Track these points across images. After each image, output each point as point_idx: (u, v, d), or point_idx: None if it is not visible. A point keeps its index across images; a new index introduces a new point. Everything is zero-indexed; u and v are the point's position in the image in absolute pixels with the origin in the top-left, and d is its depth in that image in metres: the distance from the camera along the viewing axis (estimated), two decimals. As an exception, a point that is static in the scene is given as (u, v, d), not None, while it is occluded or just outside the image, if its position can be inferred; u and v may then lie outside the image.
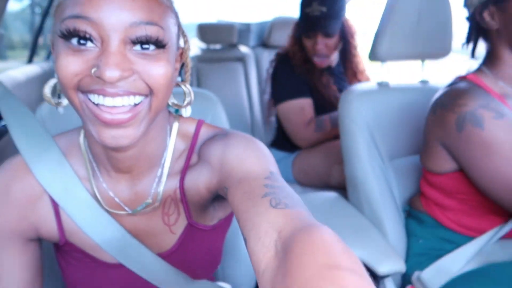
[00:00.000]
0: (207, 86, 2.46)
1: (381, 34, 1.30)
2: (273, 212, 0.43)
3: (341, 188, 1.73)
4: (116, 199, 0.64)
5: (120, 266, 0.66)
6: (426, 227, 1.11)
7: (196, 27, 2.48)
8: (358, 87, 1.36)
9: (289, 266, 0.34)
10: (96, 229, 0.62)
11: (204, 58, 2.52)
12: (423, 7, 1.31)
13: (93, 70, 0.47)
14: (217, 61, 2.54)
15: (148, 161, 0.62)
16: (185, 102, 0.63)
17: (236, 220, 0.56)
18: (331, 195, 1.29)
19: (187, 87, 0.63)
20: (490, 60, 0.98)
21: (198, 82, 2.50)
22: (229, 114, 1.16)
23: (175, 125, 0.66)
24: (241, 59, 2.55)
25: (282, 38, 2.47)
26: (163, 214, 0.66)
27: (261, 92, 2.54)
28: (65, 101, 0.58)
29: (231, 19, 2.73)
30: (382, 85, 1.38)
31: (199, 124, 0.67)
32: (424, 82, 1.44)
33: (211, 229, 0.70)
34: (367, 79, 1.89)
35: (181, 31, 0.59)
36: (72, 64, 0.48)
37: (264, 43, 2.65)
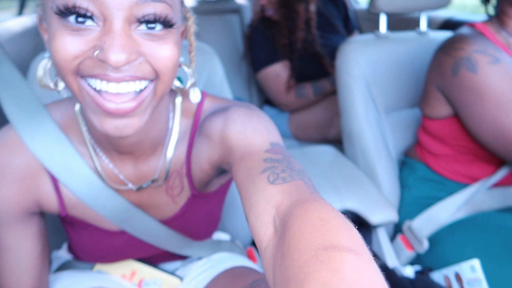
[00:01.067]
0: (204, 39, 2.41)
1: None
2: (271, 188, 0.43)
3: (339, 142, 1.76)
4: (121, 176, 0.63)
5: (123, 233, 0.68)
6: (417, 175, 1.14)
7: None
8: (356, 38, 1.34)
9: (286, 247, 0.34)
10: (99, 202, 0.61)
11: (200, 10, 2.44)
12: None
13: (95, 53, 0.43)
14: (213, 13, 2.46)
15: (151, 143, 0.61)
16: (188, 84, 0.58)
17: None
18: (327, 148, 1.31)
19: (190, 69, 0.58)
20: (498, 14, 0.99)
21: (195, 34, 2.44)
22: (226, 67, 1.16)
23: (178, 100, 0.62)
24: (237, 10, 2.48)
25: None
26: (167, 188, 0.66)
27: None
28: (62, 83, 0.54)
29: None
30: (381, 37, 1.36)
31: (202, 97, 0.65)
32: (422, 33, 1.42)
33: (212, 195, 0.72)
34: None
35: (184, 7, 0.54)
36: (70, 45, 0.43)
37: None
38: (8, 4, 1.98)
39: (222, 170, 0.65)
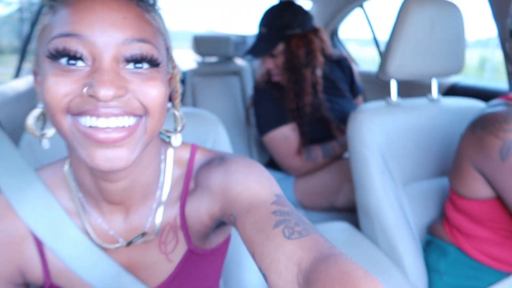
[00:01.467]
0: (203, 101, 2.37)
1: (391, 51, 1.22)
2: (289, 244, 0.43)
3: (348, 210, 1.65)
4: (111, 232, 0.61)
5: None
6: (449, 260, 1.02)
7: (191, 39, 2.39)
8: (367, 106, 1.28)
9: None
10: (87, 267, 0.58)
11: (199, 72, 2.43)
12: (436, 21, 1.23)
13: (85, 89, 0.44)
14: (213, 74, 2.45)
15: (142, 191, 0.60)
16: (179, 128, 0.60)
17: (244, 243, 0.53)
18: (341, 225, 1.20)
19: (179, 113, 0.60)
20: None
21: (194, 96, 2.41)
22: (226, 129, 1.09)
23: (170, 152, 0.63)
24: (237, 72, 2.47)
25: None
26: (160, 243, 0.63)
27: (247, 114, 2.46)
28: (50, 132, 0.55)
29: (224, 30, 2.64)
30: (392, 104, 1.30)
31: (193, 149, 0.65)
32: (434, 100, 1.37)
33: (209, 254, 0.68)
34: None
35: (169, 56, 0.56)
36: (61, 84, 0.45)
37: (260, 56, 2.58)
38: (10, 58, 1.94)
39: (220, 223, 0.63)
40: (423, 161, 1.24)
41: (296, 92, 1.61)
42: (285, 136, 1.63)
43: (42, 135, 0.55)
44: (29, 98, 1.70)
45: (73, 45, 0.44)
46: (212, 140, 1.04)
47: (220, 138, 1.03)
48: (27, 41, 1.86)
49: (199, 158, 0.65)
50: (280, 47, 1.60)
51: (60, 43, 0.44)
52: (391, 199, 1.11)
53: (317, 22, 2.73)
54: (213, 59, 2.53)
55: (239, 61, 2.51)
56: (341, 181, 1.59)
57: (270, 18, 1.62)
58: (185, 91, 2.63)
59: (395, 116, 1.24)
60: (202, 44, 2.39)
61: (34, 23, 1.84)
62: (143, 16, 0.48)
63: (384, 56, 1.26)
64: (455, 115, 1.35)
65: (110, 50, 0.45)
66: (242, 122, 2.39)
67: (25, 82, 1.71)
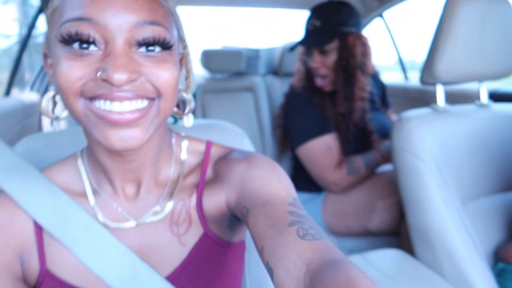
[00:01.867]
0: (215, 117, 2.22)
1: (438, 52, 1.07)
2: (302, 243, 0.43)
3: (383, 234, 1.46)
4: (122, 211, 0.60)
5: None
6: None
7: (200, 54, 2.25)
8: (413, 113, 1.12)
9: None
10: (97, 255, 0.55)
11: (209, 89, 2.28)
12: (487, 17, 1.09)
13: (98, 73, 0.45)
14: (224, 91, 2.30)
15: (155, 170, 0.61)
16: (186, 110, 0.61)
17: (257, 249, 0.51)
18: (394, 253, 1.01)
19: (188, 95, 0.61)
20: None
21: (204, 114, 2.26)
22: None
23: (184, 143, 0.66)
24: (251, 88, 2.32)
25: (294, 65, 2.28)
26: (171, 223, 0.61)
27: (274, 124, 2.30)
28: (63, 114, 0.57)
29: (235, 44, 2.51)
30: (439, 111, 1.14)
31: (209, 143, 0.67)
32: (484, 105, 1.22)
33: (226, 245, 0.63)
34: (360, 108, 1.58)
35: (180, 36, 0.57)
36: (74, 68, 0.45)
37: (275, 71, 2.44)
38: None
39: (231, 220, 0.62)
40: (481, 174, 1.07)
41: (346, 95, 1.45)
42: (327, 146, 1.47)
43: (56, 118, 0.56)
44: (21, 118, 1.57)
45: (85, 29, 0.44)
46: None
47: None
48: (17, 64, 1.75)
49: (216, 150, 0.66)
50: (334, 44, 1.46)
51: (72, 27, 0.44)
52: (456, 219, 0.93)
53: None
54: (223, 75, 2.40)
55: (252, 77, 2.38)
56: (375, 199, 1.41)
57: (327, 12, 1.48)
58: (196, 107, 2.49)
59: (445, 124, 1.09)
60: (212, 59, 2.25)
61: (30, 29, 1.73)
62: None
63: (429, 58, 1.11)
64: (509, 122, 1.19)
65: (123, 33, 0.45)
66: (257, 140, 2.23)
67: (16, 101, 1.59)
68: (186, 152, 0.65)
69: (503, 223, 1.05)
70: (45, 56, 0.54)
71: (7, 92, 1.75)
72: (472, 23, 1.07)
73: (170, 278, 0.59)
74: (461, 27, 1.06)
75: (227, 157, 0.63)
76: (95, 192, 0.60)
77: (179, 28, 0.54)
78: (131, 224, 0.59)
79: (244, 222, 0.53)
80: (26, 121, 1.62)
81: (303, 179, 1.63)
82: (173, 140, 0.65)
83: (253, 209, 0.51)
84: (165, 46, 0.48)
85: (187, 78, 0.62)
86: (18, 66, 1.76)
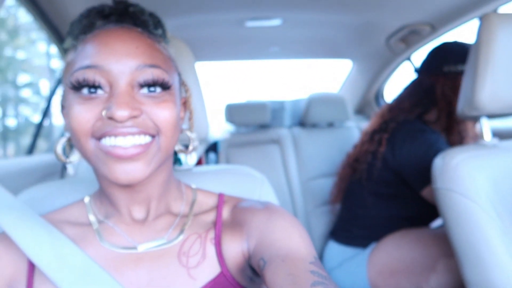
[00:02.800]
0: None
1: (479, 81, 0.95)
2: None
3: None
4: (123, 234, 0.60)
5: None
6: None
7: (224, 108, 2.22)
8: (457, 150, 0.98)
9: None
10: None
11: (234, 143, 2.21)
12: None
13: (104, 112, 0.50)
14: (250, 144, 2.23)
15: (165, 203, 0.63)
16: (190, 148, 0.65)
17: None
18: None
19: (192, 134, 0.65)
20: None
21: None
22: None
23: (194, 191, 0.68)
24: (277, 140, 2.24)
25: (321, 116, 2.20)
26: (180, 254, 0.59)
27: (302, 176, 2.18)
28: (74, 157, 0.61)
29: (260, 97, 2.48)
30: (488, 146, 1.00)
31: (221, 194, 0.68)
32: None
33: None
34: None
35: (181, 81, 0.62)
36: (84, 111, 0.50)
37: (301, 122, 2.37)
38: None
39: (250, 270, 0.60)
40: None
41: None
42: None
43: (65, 161, 0.60)
44: (40, 176, 1.54)
45: (91, 75, 0.50)
46: (257, 197, 0.85)
47: (266, 195, 0.85)
48: (43, 116, 1.77)
49: (230, 198, 0.67)
50: None
51: (80, 75, 0.50)
52: (527, 274, 0.75)
53: (359, 83, 2.55)
54: (248, 128, 2.34)
55: (278, 129, 2.30)
56: (436, 257, 1.21)
57: None
58: (218, 160, 2.42)
59: (496, 160, 0.93)
60: (236, 113, 2.22)
61: (53, 92, 1.76)
62: (153, 46, 0.55)
63: (469, 90, 0.99)
64: None
65: (125, 76, 0.51)
66: (284, 194, 2.11)
67: (37, 159, 1.57)
68: (196, 195, 0.67)
69: None
70: (63, 107, 0.58)
71: (30, 151, 1.75)
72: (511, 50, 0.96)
73: None
74: (501, 52, 0.95)
75: (243, 204, 0.64)
76: (100, 221, 0.62)
77: (179, 74, 0.60)
78: (134, 250, 0.59)
79: (261, 274, 0.52)
80: (45, 179, 1.58)
81: (350, 229, 1.46)
82: (182, 186, 0.67)
83: (271, 262, 0.51)
84: (165, 86, 0.53)
85: (190, 118, 0.66)
86: (40, 130, 1.77)
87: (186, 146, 0.71)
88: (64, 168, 1.74)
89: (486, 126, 1.03)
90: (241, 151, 2.18)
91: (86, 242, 0.59)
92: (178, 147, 0.67)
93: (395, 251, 1.29)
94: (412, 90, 1.44)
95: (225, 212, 0.64)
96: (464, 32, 1.78)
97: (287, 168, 2.17)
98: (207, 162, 2.52)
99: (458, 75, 1.34)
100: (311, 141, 2.21)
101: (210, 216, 0.64)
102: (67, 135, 0.59)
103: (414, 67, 1.46)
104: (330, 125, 2.32)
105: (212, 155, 2.49)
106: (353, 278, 1.35)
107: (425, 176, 1.25)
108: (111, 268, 0.57)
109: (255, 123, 2.23)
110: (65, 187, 0.80)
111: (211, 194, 0.68)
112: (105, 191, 0.60)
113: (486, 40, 0.96)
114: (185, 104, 0.64)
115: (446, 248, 1.20)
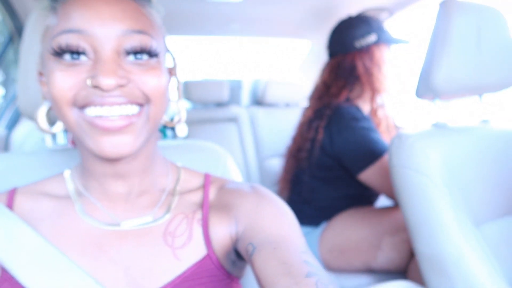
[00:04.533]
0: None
1: (435, 64, 1.00)
2: None
3: (388, 273, 1.32)
4: (105, 210, 0.57)
5: None
6: None
7: (183, 86, 2.18)
8: (412, 130, 1.02)
9: None
10: (46, 281, 0.49)
11: (191, 120, 2.18)
12: (482, 28, 1.03)
13: (88, 81, 0.47)
14: (207, 122, 2.21)
15: (150, 179, 0.60)
16: (177, 118, 0.62)
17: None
18: (403, 285, 0.88)
19: (178, 105, 0.62)
20: None
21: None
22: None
23: (180, 169, 0.66)
24: (234, 119, 2.23)
25: (278, 97, 2.22)
26: (165, 233, 0.56)
27: (259, 155, 2.19)
28: (56, 128, 0.59)
29: (219, 76, 2.45)
30: (440, 127, 1.05)
31: (207, 174, 0.66)
32: (486, 122, 1.14)
33: (228, 277, 0.58)
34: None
35: (167, 49, 0.58)
36: (66, 78, 0.47)
37: (258, 102, 2.37)
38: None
39: (234, 254, 0.59)
40: (493, 194, 0.96)
41: None
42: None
43: (50, 132, 0.58)
44: None
45: (74, 41, 0.46)
46: (221, 174, 0.83)
47: (229, 171, 0.84)
48: None
49: (216, 178, 0.65)
50: None
51: (62, 40, 0.47)
52: (473, 243, 0.81)
53: (317, 64, 2.59)
54: (206, 105, 2.31)
55: (236, 107, 2.29)
56: (381, 235, 1.27)
57: None
58: (175, 136, 2.39)
59: (448, 139, 0.99)
60: (194, 90, 2.17)
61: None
62: (140, 10, 0.50)
63: (425, 70, 1.03)
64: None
65: (110, 42, 0.47)
66: (242, 170, 2.12)
67: None
68: (182, 174, 0.64)
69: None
70: (40, 74, 0.55)
71: None
72: (468, 34, 1.01)
73: None
74: (457, 37, 0.99)
75: (230, 185, 0.62)
76: (80, 195, 0.58)
77: (165, 41, 0.56)
78: (117, 227, 0.56)
79: (248, 261, 0.51)
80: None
81: (301, 209, 1.48)
82: (168, 163, 0.64)
83: (261, 248, 0.49)
84: (152, 53, 0.50)
85: (177, 88, 0.63)
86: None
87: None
88: (7, 141, 1.62)
89: (439, 108, 1.08)
90: (198, 128, 2.15)
91: (66, 216, 0.56)
92: (165, 120, 0.63)
93: (343, 230, 1.33)
94: (335, 74, 1.46)
95: (212, 193, 0.62)
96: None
97: (244, 146, 2.18)
98: (164, 138, 2.46)
99: (371, 46, 1.39)
100: (268, 121, 2.23)
101: (197, 196, 0.62)
102: (47, 104, 0.56)
103: (329, 51, 1.48)
104: (287, 105, 2.34)
105: (169, 131, 2.44)
106: None
107: (361, 161, 1.32)
108: (93, 245, 0.54)
109: (213, 101, 2.20)
110: (12, 161, 0.75)
111: (196, 173, 0.66)
112: (86, 163, 0.56)
113: (444, 25, 1.00)
114: (172, 71, 0.61)
115: (390, 226, 1.26)
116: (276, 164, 2.16)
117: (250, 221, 0.55)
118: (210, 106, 2.32)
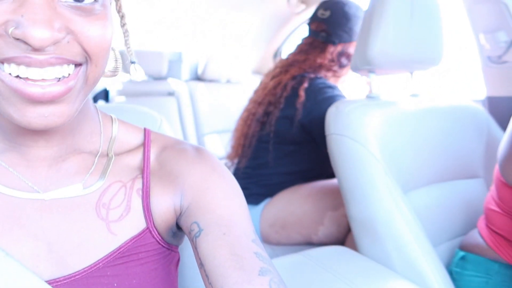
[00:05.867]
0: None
1: (371, 39, 1.02)
2: None
3: (326, 246, 1.36)
4: (22, 177, 0.46)
5: None
6: (495, 279, 0.77)
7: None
8: (348, 100, 1.05)
9: None
10: None
11: (127, 92, 2.07)
12: (415, 6, 1.08)
13: (10, 30, 0.34)
14: (144, 95, 2.11)
15: (78, 140, 0.50)
16: (112, 67, 0.49)
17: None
18: (337, 249, 0.90)
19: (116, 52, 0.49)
20: None
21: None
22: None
23: (115, 121, 0.55)
24: (173, 93, 2.16)
25: (218, 73, 2.17)
26: (98, 205, 0.48)
27: (198, 131, 2.15)
28: None
29: (156, 47, 2.34)
30: (373, 99, 1.09)
31: (147, 129, 0.57)
32: (416, 95, 1.20)
33: (168, 248, 0.52)
34: None
35: None
36: None
37: (198, 77, 2.31)
38: None
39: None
40: (419, 164, 1.02)
41: None
42: None
43: None
44: None
45: None
46: None
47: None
48: None
49: (157, 136, 0.56)
50: None
51: None
52: (401, 208, 0.85)
53: (259, 41, 2.57)
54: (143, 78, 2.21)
55: (175, 81, 2.21)
56: (323, 210, 1.29)
57: None
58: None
59: (381, 110, 1.02)
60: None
61: None
62: None
63: (362, 44, 1.06)
64: (441, 114, 1.17)
65: None
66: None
67: None
68: (118, 129, 0.54)
69: (445, 214, 1.00)
70: None
71: None
72: (402, 12, 1.04)
73: (93, 270, 0.46)
74: (391, 14, 1.02)
75: (174, 146, 0.54)
76: None
77: None
78: (37, 195, 0.46)
79: (191, 241, 0.47)
80: None
81: (252, 189, 1.45)
82: (99, 114, 0.54)
83: (209, 231, 0.45)
84: None
85: (123, 24, 0.51)
86: None
87: None
88: None
89: (374, 80, 1.12)
90: (135, 101, 2.06)
91: None
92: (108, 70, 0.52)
93: (287, 205, 1.35)
94: (331, 58, 1.47)
95: (153, 155, 0.54)
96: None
97: (183, 122, 2.12)
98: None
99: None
100: (208, 96, 2.19)
101: (136, 159, 0.53)
102: None
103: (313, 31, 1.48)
104: (228, 82, 2.31)
105: (102, 103, 2.31)
106: None
107: None
108: (10, 218, 0.45)
109: (151, 73, 2.10)
110: None
111: (134, 127, 0.56)
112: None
113: (379, 4, 1.03)
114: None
115: (332, 202, 1.30)
116: (215, 140, 2.13)
117: (197, 195, 0.49)
118: (148, 79, 2.22)
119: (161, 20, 2.17)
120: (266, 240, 1.38)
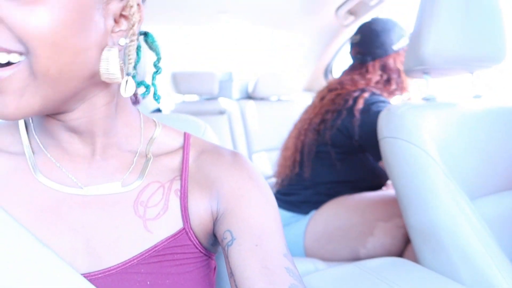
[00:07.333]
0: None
1: (423, 39, 0.96)
2: None
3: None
4: (65, 171, 0.47)
5: None
6: None
7: (170, 76, 2.13)
8: (401, 103, 0.98)
9: None
10: None
11: (180, 112, 2.13)
12: (470, 4, 1.00)
13: None
14: (196, 115, 2.16)
15: (116, 139, 0.50)
16: (104, 68, 0.42)
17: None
18: (394, 260, 0.82)
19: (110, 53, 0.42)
20: None
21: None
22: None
23: (158, 125, 0.57)
24: (224, 112, 2.19)
25: (269, 90, 2.18)
26: (136, 202, 0.49)
27: (249, 149, 2.15)
28: None
29: (208, 67, 2.41)
30: (428, 100, 1.01)
31: (187, 133, 0.58)
32: (477, 96, 1.10)
33: (205, 254, 0.52)
34: None
35: None
36: None
37: (249, 96, 2.33)
38: None
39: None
40: (486, 170, 0.92)
41: None
42: None
43: None
44: None
45: None
46: None
47: (210, 140, 0.79)
48: None
49: (196, 140, 0.57)
50: None
51: None
52: (469, 216, 0.76)
53: (308, 58, 2.56)
54: (195, 98, 2.26)
55: (226, 100, 2.25)
56: (373, 221, 1.22)
57: None
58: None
59: (439, 113, 0.95)
60: (183, 81, 2.13)
61: None
62: None
63: (414, 44, 1.00)
64: (507, 117, 1.06)
65: None
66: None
67: None
68: (158, 131, 0.55)
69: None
70: None
71: None
72: (456, 7, 0.97)
73: (127, 266, 0.46)
74: (445, 8, 0.96)
75: (211, 151, 0.55)
76: (36, 151, 0.49)
77: None
78: (79, 191, 0.47)
79: (222, 248, 0.47)
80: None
81: (302, 197, 1.42)
82: (141, 118, 0.55)
83: (242, 241, 0.45)
84: None
85: (128, 54, 0.45)
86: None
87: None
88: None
89: (428, 82, 1.05)
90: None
91: (19, 175, 0.47)
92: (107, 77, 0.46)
93: (333, 218, 1.28)
94: (377, 74, 1.48)
95: (191, 158, 0.54)
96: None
97: (235, 140, 2.13)
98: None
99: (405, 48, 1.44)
100: (258, 115, 2.19)
101: (174, 161, 0.54)
102: None
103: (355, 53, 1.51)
104: (278, 100, 2.31)
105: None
106: (289, 244, 1.34)
107: None
108: (49, 209, 0.46)
109: (202, 93, 2.15)
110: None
111: (175, 131, 0.57)
112: (41, 117, 0.47)
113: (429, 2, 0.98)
114: (121, 16, 0.43)
115: (383, 213, 1.22)
116: (264, 158, 2.11)
117: (232, 202, 0.50)
118: (200, 99, 2.27)
119: (212, 42, 2.23)
120: (310, 254, 1.32)
